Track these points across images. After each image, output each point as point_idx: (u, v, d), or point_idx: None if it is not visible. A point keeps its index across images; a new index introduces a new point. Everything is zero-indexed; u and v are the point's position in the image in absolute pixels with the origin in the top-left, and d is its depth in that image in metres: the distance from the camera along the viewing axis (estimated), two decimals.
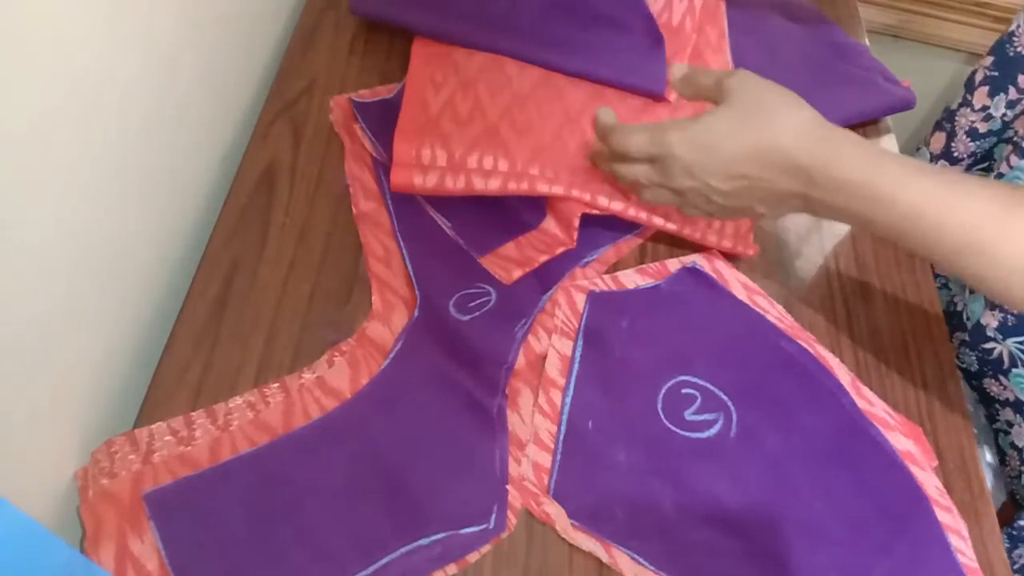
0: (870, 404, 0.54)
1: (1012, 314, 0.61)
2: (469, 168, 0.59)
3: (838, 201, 0.48)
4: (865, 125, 0.71)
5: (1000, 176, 0.68)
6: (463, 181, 0.58)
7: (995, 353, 0.62)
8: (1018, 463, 0.63)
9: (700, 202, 0.54)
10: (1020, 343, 0.60)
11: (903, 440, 0.52)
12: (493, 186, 0.58)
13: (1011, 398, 0.62)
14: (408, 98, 0.64)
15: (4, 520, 0.35)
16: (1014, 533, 0.60)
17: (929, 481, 0.51)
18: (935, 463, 0.52)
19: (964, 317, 0.64)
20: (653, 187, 0.55)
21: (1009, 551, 0.59)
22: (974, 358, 0.65)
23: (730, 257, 0.61)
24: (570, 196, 0.59)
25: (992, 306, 0.63)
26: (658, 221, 0.60)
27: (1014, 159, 0.66)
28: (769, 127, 0.50)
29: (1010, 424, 0.64)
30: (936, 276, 0.73)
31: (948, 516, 0.50)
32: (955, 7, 1.18)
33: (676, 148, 0.52)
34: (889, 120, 0.72)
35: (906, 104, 0.71)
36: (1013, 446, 0.64)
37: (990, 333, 0.62)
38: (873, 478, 0.51)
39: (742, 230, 0.62)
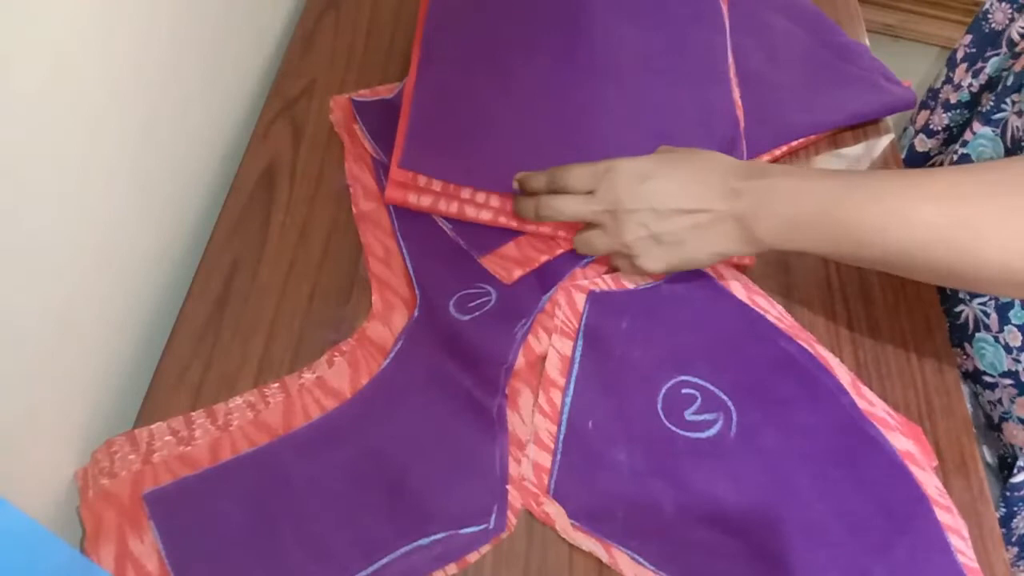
0: (870, 404, 0.54)
1: None
2: (462, 198, 0.61)
3: (770, 215, 0.50)
4: (865, 125, 0.71)
5: (964, 143, 0.69)
6: (456, 207, 0.61)
7: (962, 317, 0.63)
8: (993, 431, 0.64)
9: (635, 231, 0.54)
10: (983, 304, 0.61)
11: (903, 440, 0.52)
12: (485, 217, 0.60)
13: (970, 368, 0.63)
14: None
15: (4, 520, 0.34)
16: (1008, 495, 0.59)
17: (929, 481, 0.51)
18: (935, 463, 0.52)
19: (947, 290, 0.64)
20: (588, 214, 0.55)
21: (1007, 519, 0.59)
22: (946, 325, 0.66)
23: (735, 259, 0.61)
24: (556, 236, 0.60)
25: None
26: None
27: (976, 125, 0.67)
28: (703, 158, 0.55)
29: (975, 395, 0.65)
30: None
31: (948, 516, 0.49)
32: (955, 7, 1.18)
33: (623, 170, 0.54)
34: (889, 120, 0.72)
35: (907, 104, 0.71)
36: (986, 415, 0.64)
37: (961, 295, 0.63)
38: (873, 478, 0.51)
39: None
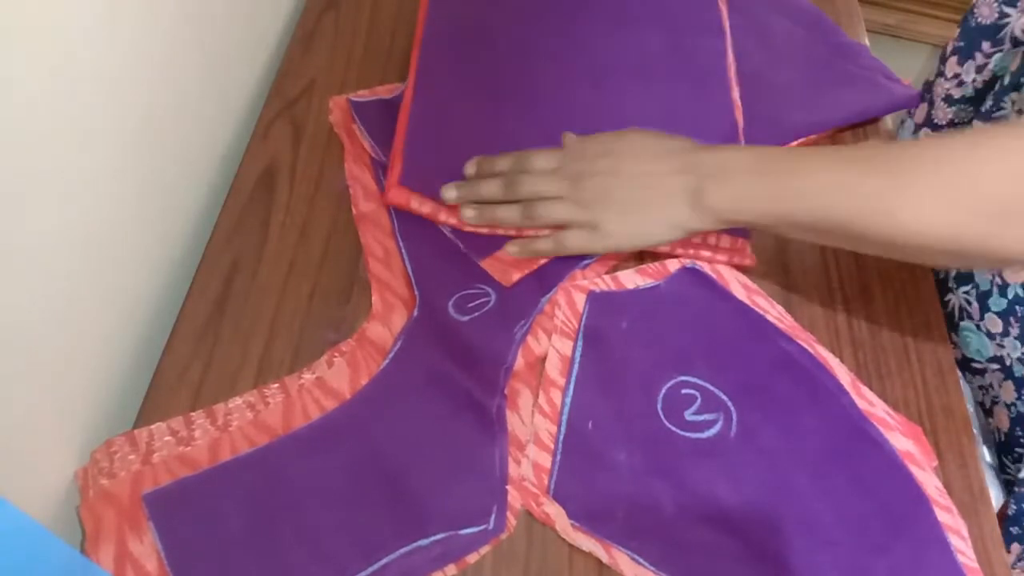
0: (870, 404, 0.54)
1: None
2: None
3: (722, 185, 0.52)
4: (866, 124, 0.71)
5: None
6: (456, 219, 0.60)
7: (949, 306, 0.64)
8: (984, 416, 0.65)
9: (593, 191, 0.56)
10: (967, 292, 0.62)
11: (903, 440, 0.52)
12: (484, 230, 0.60)
13: (958, 356, 0.64)
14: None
15: (4, 520, 0.35)
16: (1018, 491, 0.59)
17: (929, 481, 0.51)
18: (935, 463, 0.52)
19: (936, 276, 0.65)
20: (558, 192, 0.57)
21: (1018, 517, 0.59)
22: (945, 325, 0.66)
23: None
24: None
25: None
26: None
27: (976, 124, 0.69)
28: (663, 136, 0.57)
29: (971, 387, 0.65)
30: None
31: (948, 516, 0.49)
32: (955, 7, 1.19)
33: (586, 143, 0.58)
34: (889, 119, 0.72)
35: (908, 102, 0.71)
36: (981, 388, 0.65)
37: (950, 284, 0.64)
38: (873, 478, 0.51)
39: (738, 243, 0.61)
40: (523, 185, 0.57)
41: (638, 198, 0.55)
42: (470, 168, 0.60)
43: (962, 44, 0.73)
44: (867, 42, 0.78)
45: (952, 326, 0.63)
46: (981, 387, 0.63)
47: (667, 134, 0.57)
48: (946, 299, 0.64)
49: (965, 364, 0.64)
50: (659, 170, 0.54)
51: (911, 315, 0.60)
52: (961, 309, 0.63)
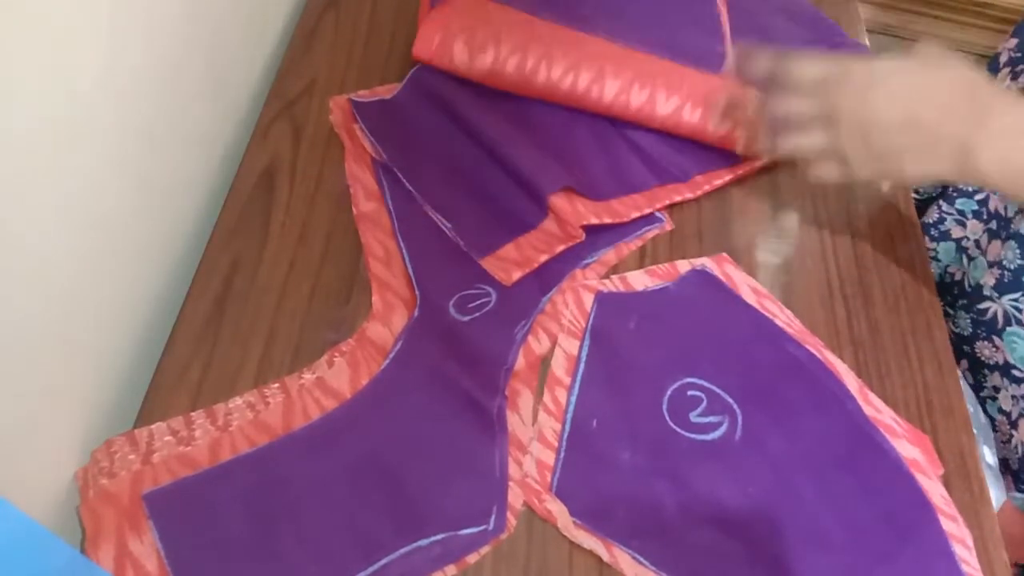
0: (877, 411, 0.54)
1: (1009, 270, 0.62)
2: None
3: (1001, 147, 0.46)
4: None
5: None
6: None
7: (990, 313, 0.63)
8: (1008, 427, 0.64)
9: (853, 142, 0.50)
10: (1015, 300, 0.61)
11: (909, 448, 0.52)
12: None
13: (1000, 361, 0.63)
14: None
15: (4, 520, 0.35)
16: None
17: (935, 490, 0.50)
18: (941, 471, 0.52)
19: (965, 284, 0.64)
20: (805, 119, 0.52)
21: None
22: (968, 321, 0.65)
23: (735, 259, 0.61)
24: (560, 233, 0.60)
25: (991, 263, 0.64)
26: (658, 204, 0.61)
27: None
28: (945, 65, 0.49)
29: (996, 389, 0.64)
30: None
31: (953, 525, 0.49)
32: (955, 7, 1.19)
33: (853, 74, 0.50)
34: None
35: None
36: (1001, 411, 0.64)
37: (987, 292, 0.63)
38: (878, 485, 0.51)
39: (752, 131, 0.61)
40: (779, 100, 0.53)
41: (900, 153, 0.49)
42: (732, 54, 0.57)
43: (1019, 54, 0.71)
44: (867, 42, 0.78)
45: (994, 331, 0.62)
46: (1015, 396, 0.63)
47: (950, 60, 0.49)
48: (983, 307, 0.63)
49: (1006, 370, 0.63)
50: (934, 117, 0.47)
51: (911, 315, 0.60)
52: (1007, 315, 0.61)
